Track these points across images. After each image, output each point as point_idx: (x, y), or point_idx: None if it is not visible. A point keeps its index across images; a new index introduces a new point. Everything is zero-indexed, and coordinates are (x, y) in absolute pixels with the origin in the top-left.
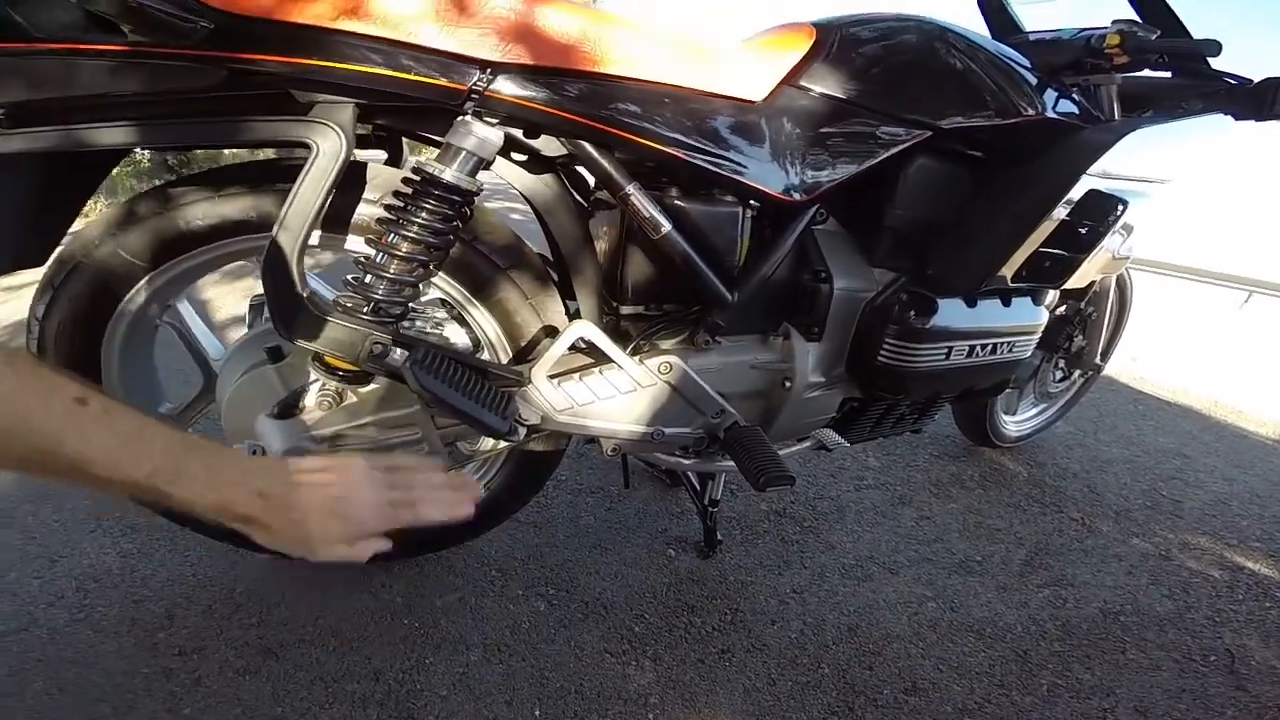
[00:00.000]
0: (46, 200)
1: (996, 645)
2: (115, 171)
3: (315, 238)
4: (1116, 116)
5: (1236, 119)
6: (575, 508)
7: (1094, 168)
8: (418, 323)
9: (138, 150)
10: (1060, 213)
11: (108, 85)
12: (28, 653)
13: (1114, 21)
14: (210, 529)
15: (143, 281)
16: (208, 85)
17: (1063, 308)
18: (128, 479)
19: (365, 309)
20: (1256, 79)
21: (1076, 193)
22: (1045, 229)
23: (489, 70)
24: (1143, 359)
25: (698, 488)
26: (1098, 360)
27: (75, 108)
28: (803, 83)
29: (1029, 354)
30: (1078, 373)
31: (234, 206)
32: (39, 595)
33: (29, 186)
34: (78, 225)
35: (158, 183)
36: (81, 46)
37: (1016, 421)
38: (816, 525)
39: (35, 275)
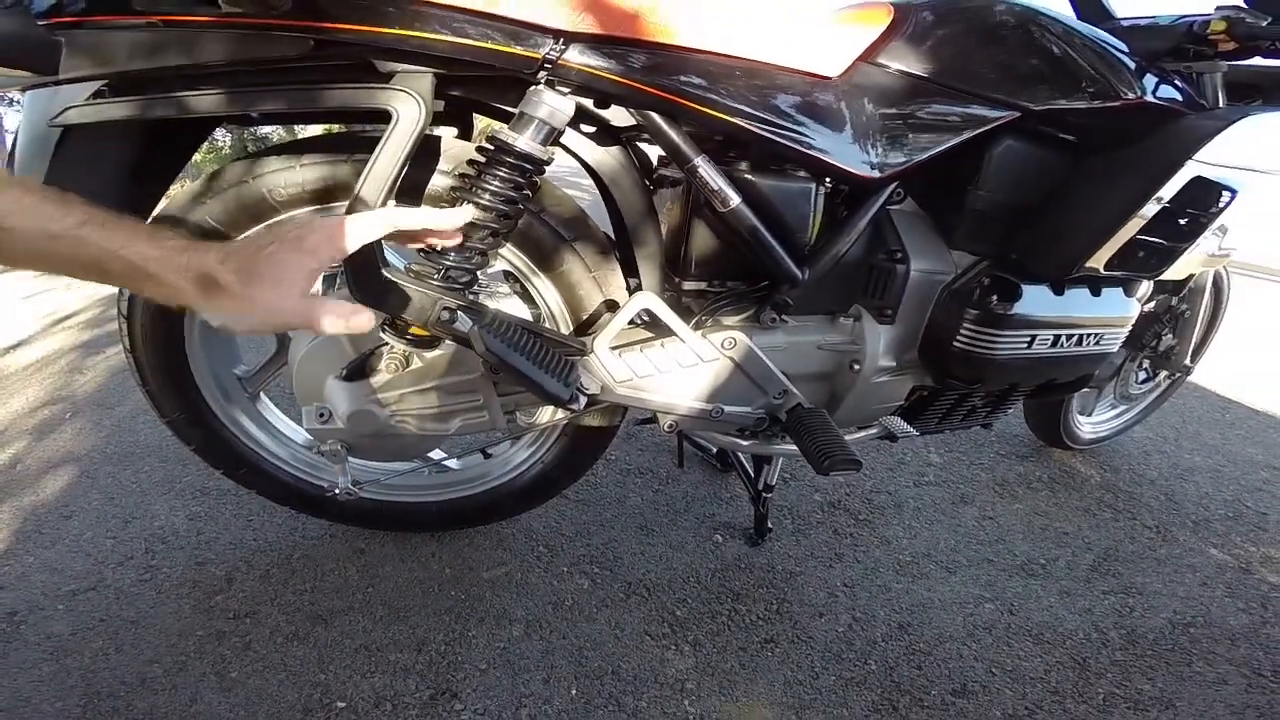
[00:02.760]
0: (139, 173)
1: (1055, 651)
2: (197, 157)
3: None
4: (1222, 104)
5: None
6: (624, 488)
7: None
8: (483, 292)
9: (218, 133)
10: (1161, 199)
11: (202, 55)
12: (93, 612)
13: (1218, 7)
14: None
15: None
16: (295, 55)
17: (1153, 303)
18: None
19: (436, 275)
20: None
21: (1179, 180)
22: (1144, 217)
23: (561, 40)
24: (1235, 363)
25: (751, 473)
26: (1187, 362)
27: (172, 77)
28: (881, 60)
29: (1117, 348)
30: (1164, 374)
31: (312, 175)
32: (110, 555)
33: (123, 159)
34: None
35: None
36: (178, 18)
37: (1092, 423)
38: (872, 519)
39: None
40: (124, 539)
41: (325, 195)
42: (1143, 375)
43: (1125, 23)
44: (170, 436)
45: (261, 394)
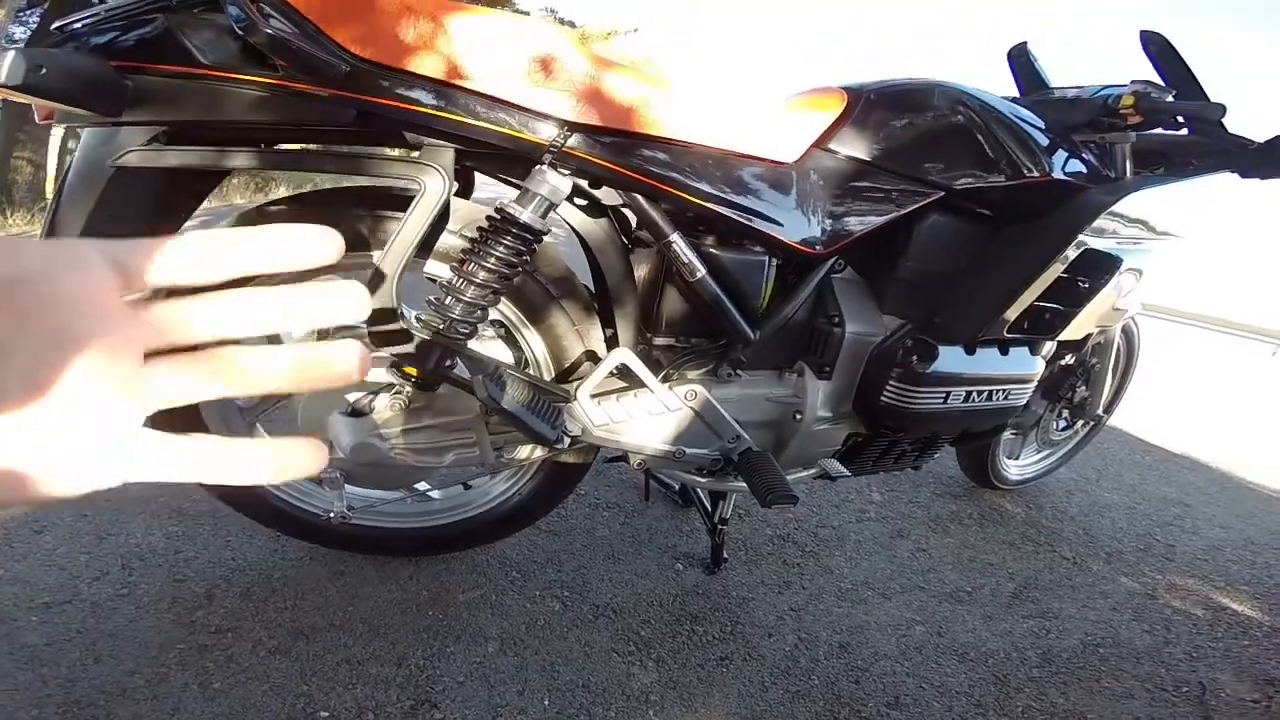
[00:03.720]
0: (159, 210)
1: (978, 668)
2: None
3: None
4: (1128, 174)
5: (1243, 177)
6: (593, 520)
7: (1106, 225)
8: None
9: None
10: (1059, 268)
11: (256, 113)
12: (69, 624)
13: (1132, 81)
14: (251, 512)
15: None
16: (338, 121)
17: (1068, 358)
18: None
19: (442, 326)
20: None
21: (1076, 249)
22: (1043, 283)
23: (566, 128)
24: (1156, 409)
25: (709, 507)
26: (1100, 411)
27: (226, 131)
28: (831, 146)
29: (1024, 401)
30: (1081, 422)
31: (338, 227)
32: (85, 570)
33: (153, 194)
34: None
35: (252, 200)
36: (239, 76)
37: (1019, 465)
38: (817, 551)
39: None
40: (99, 555)
41: (348, 245)
42: (1062, 423)
43: (1057, 93)
44: None
45: (257, 423)
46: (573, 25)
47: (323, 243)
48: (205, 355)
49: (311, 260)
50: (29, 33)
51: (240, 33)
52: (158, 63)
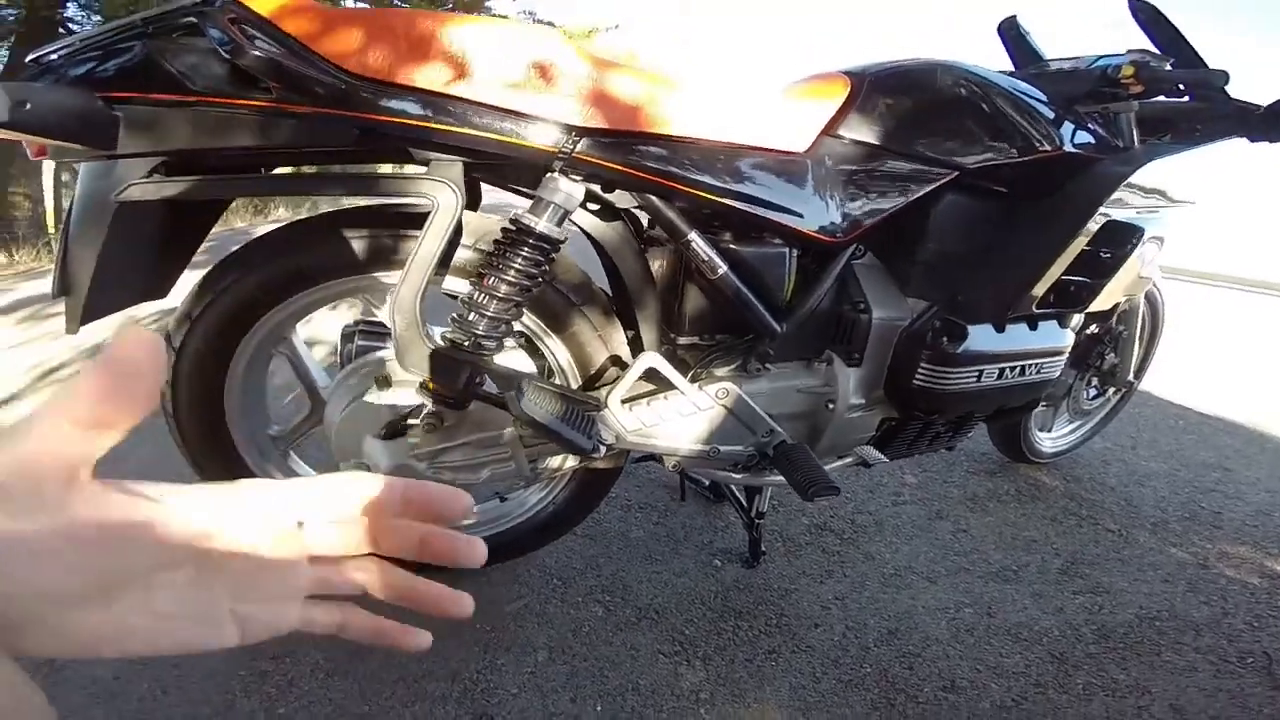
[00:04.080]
0: (169, 238)
1: (1033, 648)
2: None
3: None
4: (1135, 142)
5: (1252, 141)
6: (626, 522)
7: (1123, 195)
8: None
9: None
10: (1082, 241)
11: (256, 139)
12: (131, 659)
13: (1129, 50)
14: None
15: (269, 314)
16: (341, 141)
17: (1093, 327)
18: None
19: (467, 343)
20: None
21: (1097, 222)
22: (1068, 257)
23: (574, 134)
24: (1188, 373)
25: (744, 503)
26: (1130, 377)
27: (225, 157)
28: (840, 132)
29: (1057, 374)
30: (1112, 390)
31: (350, 248)
32: None
33: (156, 226)
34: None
35: (275, 221)
36: (233, 101)
37: (1052, 438)
38: (856, 538)
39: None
40: None
41: (359, 266)
42: (1093, 392)
43: (1053, 66)
44: None
45: (290, 451)
46: (551, 25)
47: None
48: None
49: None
50: None
51: (226, 56)
52: (144, 91)
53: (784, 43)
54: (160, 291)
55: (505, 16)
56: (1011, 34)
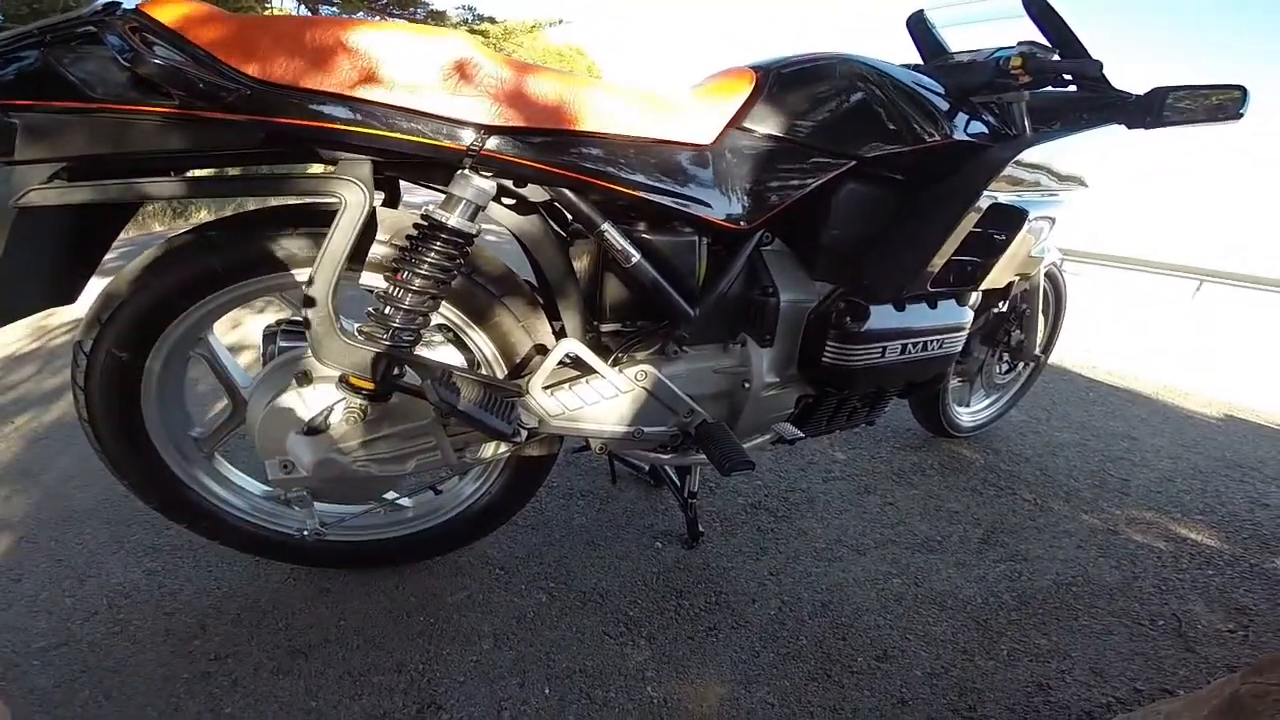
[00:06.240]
0: (76, 243)
1: (958, 615)
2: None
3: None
4: (1028, 130)
5: (1129, 128)
6: (568, 510)
7: (1017, 177)
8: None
9: None
10: (970, 221)
11: (160, 143)
12: (71, 665)
13: (1020, 43)
14: (235, 542)
15: (182, 315)
16: (247, 144)
17: (1000, 305)
18: None
19: (385, 336)
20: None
21: (984, 205)
22: (957, 238)
23: (484, 132)
24: (1096, 349)
25: (678, 483)
26: (1037, 352)
27: (131, 162)
28: (745, 124)
29: (958, 349)
30: (1022, 364)
31: (263, 247)
32: (73, 612)
33: (63, 231)
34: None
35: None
36: (135, 108)
37: (970, 412)
38: (789, 515)
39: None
40: (83, 597)
41: (274, 265)
42: (1005, 367)
43: (956, 58)
44: (108, 498)
45: (215, 453)
46: (492, 21)
47: None
48: None
49: None
50: None
51: (126, 64)
52: (43, 99)
53: (739, 40)
54: (69, 297)
55: (442, 12)
56: (919, 28)
